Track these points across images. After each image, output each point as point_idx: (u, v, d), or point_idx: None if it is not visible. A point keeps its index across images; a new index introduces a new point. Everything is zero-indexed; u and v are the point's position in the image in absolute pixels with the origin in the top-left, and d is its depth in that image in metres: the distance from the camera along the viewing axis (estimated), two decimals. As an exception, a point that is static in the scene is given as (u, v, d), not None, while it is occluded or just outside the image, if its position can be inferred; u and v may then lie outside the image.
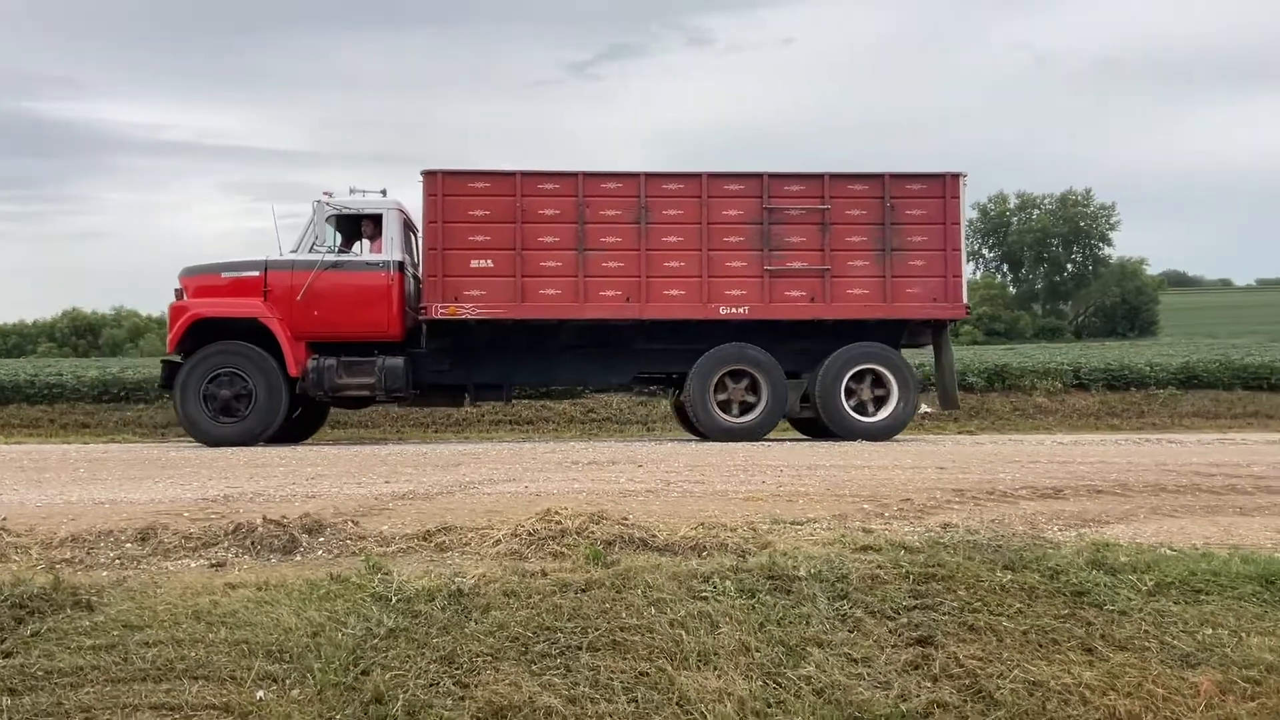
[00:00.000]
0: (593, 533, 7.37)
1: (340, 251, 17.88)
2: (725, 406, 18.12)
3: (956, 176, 18.52)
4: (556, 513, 7.72)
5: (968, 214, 17.39)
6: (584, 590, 6.47)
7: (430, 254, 17.52)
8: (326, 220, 17.95)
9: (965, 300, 18.60)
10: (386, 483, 10.64)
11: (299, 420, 19.80)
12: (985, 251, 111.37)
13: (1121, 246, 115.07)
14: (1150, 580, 6.73)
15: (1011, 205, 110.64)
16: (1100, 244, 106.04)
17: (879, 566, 6.76)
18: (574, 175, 17.89)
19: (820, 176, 18.28)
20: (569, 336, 18.55)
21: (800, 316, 18.26)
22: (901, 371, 18.29)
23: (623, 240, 17.78)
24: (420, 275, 18.21)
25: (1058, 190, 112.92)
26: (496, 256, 17.53)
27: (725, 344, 18.11)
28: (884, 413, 18.23)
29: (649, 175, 18.01)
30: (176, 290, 17.80)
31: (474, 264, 17.54)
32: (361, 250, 18.08)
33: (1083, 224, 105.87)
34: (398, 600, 6.25)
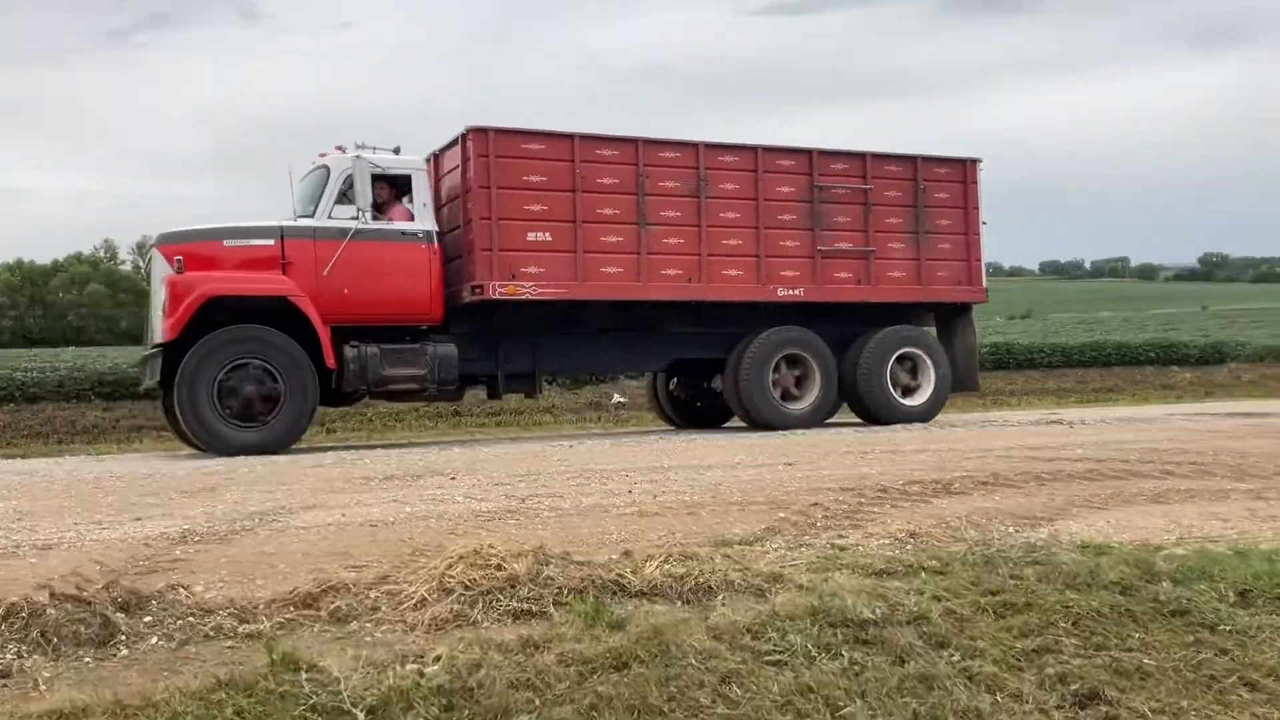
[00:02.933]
0: (551, 579, 4.44)
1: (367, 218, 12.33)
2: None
3: (975, 162, 15.77)
4: (487, 553, 4.54)
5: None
6: (619, 668, 3.84)
7: (482, 224, 12.61)
8: (345, 180, 12.29)
9: (985, 284, 16.07)
10: (137, 520, 6.50)
11: None
12: None
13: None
14: (1229, 590, 4.67)
15: None
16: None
17: (935, 598, 4.42)
18: (633, 141, 13.65)
19: (863, 156, 15.11)
20: (602, 319, 14.07)
21: (849, 299, 14.99)
22: (937, 355, 15.39)
23: (682, 215, 13.73)
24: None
25: None
26: (554, 229, 12.98)
27: (780, 327, 14.32)
28: (923, 396, 15.14)
29: (707, 146, 14.06)
30: (178, 261, 11.65)
31: (530, 237, 12.87)
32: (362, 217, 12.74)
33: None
34: (365, 714, 3.33)
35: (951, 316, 15.97)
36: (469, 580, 4.38)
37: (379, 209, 12.63)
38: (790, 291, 14.39)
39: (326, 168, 12.69)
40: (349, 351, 12.21)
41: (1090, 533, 5.73)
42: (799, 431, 13.18)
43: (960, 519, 6.05)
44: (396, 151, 12.98)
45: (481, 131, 12.90)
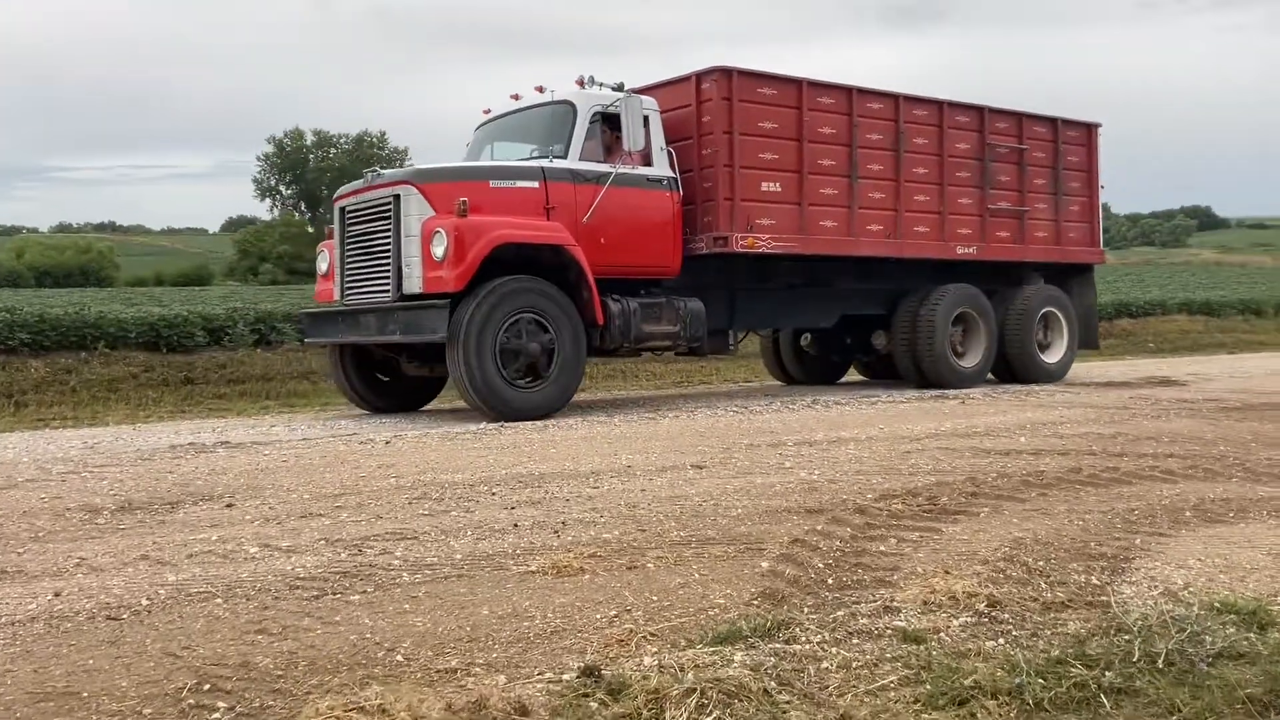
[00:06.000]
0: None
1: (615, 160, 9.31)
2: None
3: (1098, 126, 12.78)
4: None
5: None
6: None
7: (724, 172, 9.64)
8: (592, 119, 9.29)
9: (1103, 245, 12.90)
10: None
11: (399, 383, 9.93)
12: (283, 189, 77.77)
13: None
14: None
15: (309, 142, 76.70)
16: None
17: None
18: (848, 90, 10.54)
19: (1019, 115, 11.79)
20: (788, 275, 10.78)
21: (1009, 258, 11.68)
22: (1070, 314, 12.33)
23: (884, 169, 10.74)
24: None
25: (353, 130, 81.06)
26: (784, 179, 10.08)
27: (955, 285, 11.37)
28: (1056, 354, 12.28)
29: (905, 98, 10.95)
30: (461, 204, 8.32)
31: (764, 187, 9.92)
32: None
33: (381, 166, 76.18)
34: None
35: (1068, 276, 12.61)
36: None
37: (608, 151, 9.21)
38: (966, 249, 11.26)
39: (571, 104, 9.20)
40: (613, 306, 9.06)
41: (1198, 579, 3.38)
42: (668, 415, 8.85)
43: (1008, 560, 3.55)
44: (620, 88, 9.38)
45: (725, 72, 9.58)
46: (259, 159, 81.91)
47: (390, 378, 9.63)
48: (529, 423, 8.01)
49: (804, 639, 2.70)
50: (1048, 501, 4.59)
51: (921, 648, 2.65)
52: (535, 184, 8.80)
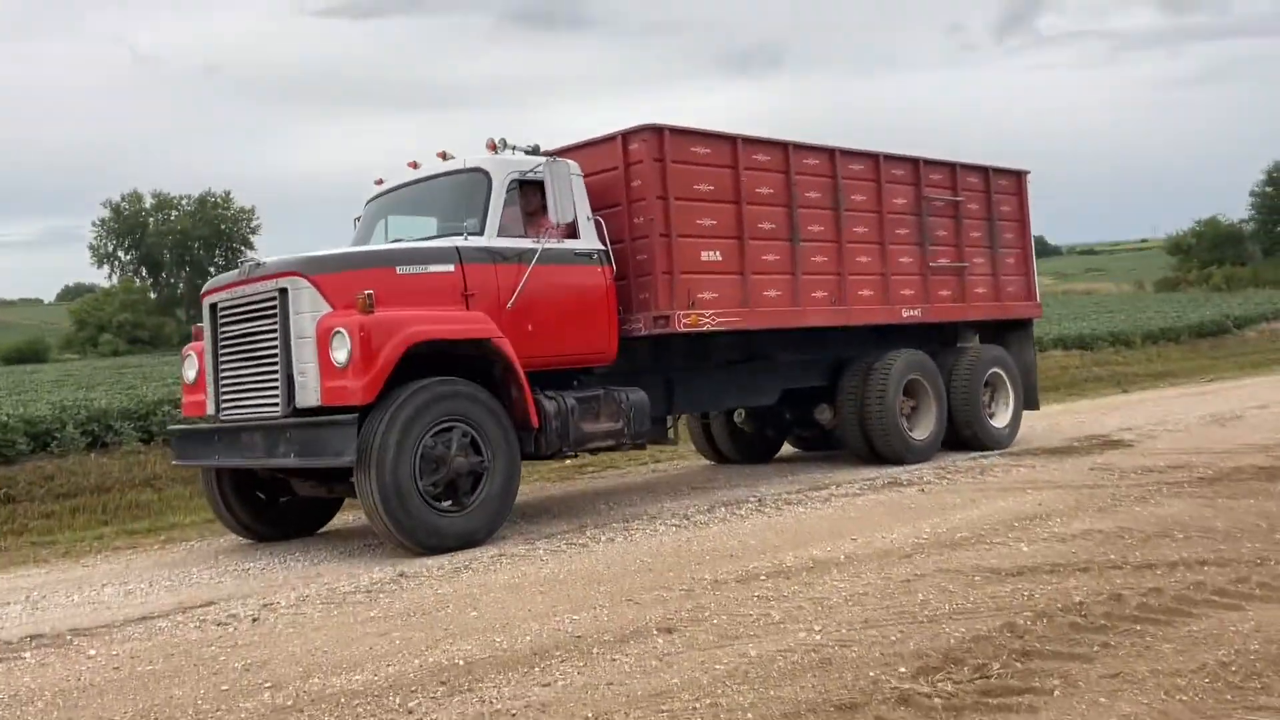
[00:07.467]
0: None
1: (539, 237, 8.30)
2: None
3: (1026, 173, 12.24)
4: None
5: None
6: None
7: (661, 242, 8.71)
8: (509, 188, 8.20)
9: (1039, 299, 12.20)
10: None
11: (292, 505, 8.61)
12: (121, 254, 75.43)
13: (265, 248, 78.67)
14: None
15: (148, 205, 75.39)
16: (243, 247, 74.01)
17: None
18: (783, 145, 9.73)
19: (953, 166, 11.06)
20: (726, 351, 9.92)
21: (954, 318, 11.05)
22: (1014, 373, 11.60)
23: (825, 230, 10.01)
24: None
25: (195, 191, 78.85)
26: (724, 247, 9.21)
27: (903, 351, 10.65)
28: (1003, 419, 11.48)
29: (841, 151, 10.23)
30: (365, 297, 7.07)
31: (704, 256, 9.03)
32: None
33: (224, 226, 74.57)
34: None
35: (1006, 332, 11.93)
36: None
37: (527, 224, 8.24)
38: (911, 312, 10.52)
39: (485, 172, 8.05)
40: (548, 405, 7.80)
41: None
42: (600, 537, 7.53)
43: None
44: (535, 151, 8.42)
45: (656, 130, 8.65)
46: (95, 224, 77.37)
47: (278, 499, 8.38)
48: (433, 563, 6.60)
49: None
50: (1119, 660, 3.85)
51: None
52: (450, 267, 7.61)
